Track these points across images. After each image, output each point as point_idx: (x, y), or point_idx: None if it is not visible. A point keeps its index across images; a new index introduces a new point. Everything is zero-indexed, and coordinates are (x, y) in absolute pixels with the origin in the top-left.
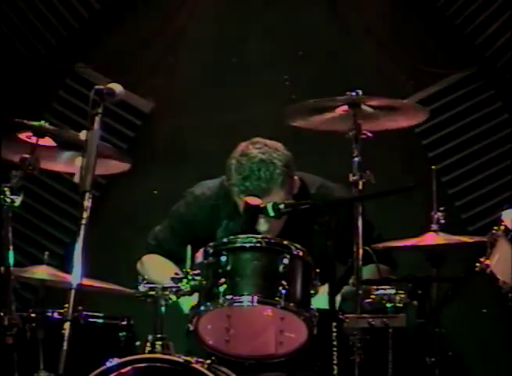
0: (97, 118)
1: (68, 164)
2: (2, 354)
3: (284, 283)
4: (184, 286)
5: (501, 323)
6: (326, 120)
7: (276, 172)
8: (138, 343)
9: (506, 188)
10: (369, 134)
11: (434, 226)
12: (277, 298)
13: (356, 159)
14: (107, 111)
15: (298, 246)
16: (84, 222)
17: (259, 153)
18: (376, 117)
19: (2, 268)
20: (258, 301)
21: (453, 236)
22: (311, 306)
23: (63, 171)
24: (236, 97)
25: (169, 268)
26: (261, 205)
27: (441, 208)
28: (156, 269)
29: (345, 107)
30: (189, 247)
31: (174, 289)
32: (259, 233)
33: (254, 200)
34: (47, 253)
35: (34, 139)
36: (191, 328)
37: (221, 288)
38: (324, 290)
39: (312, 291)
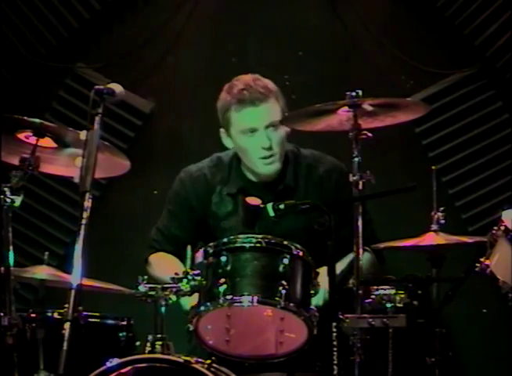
0: (97, 118)
1: (68, 165)
2: (2, 354)
3: (284, 283)
4: (184, 286)
5: (501, 323)
6: (326, 122)
7: (271, 85)
8: (138, 343)
9: (506, 188)
10: (369, 134)
11: (434, 226)
12: (277, 298)
13: (356, 159)
14: (107, 111)
15: (298, 246)
16: (84, 222)
17: (251, 75)
18: (375, 114)
19: (2, 268)
20: (258, 302)
21: (453, 236)
22: (311, 306)
23: (63, 175)
24: None
25: (177, 267)
26: (261, 205)
27: (441, 208)
28: (165, 268)
29: (345, 109)
30: (189, 247)
31: (174, 289)
32: (259, 233)
33: (254, 200)
34: (47, 253)
35: (33, 139)
36: (191, 328)
37: (221, 288)
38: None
39: (312, 291)
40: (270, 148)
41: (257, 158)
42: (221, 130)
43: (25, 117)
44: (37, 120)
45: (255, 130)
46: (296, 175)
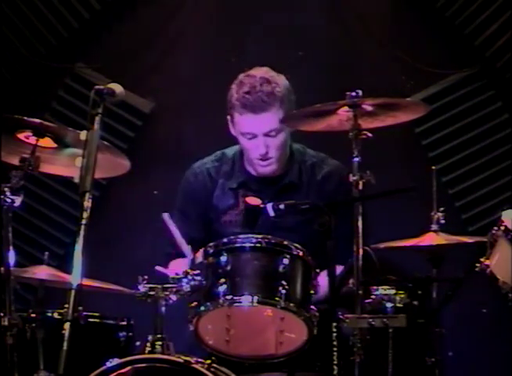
0: (97, 118)
1: (68, 165)
2: (2, 354)
3: (284, 283)
4: (184, 286)
5: (501, 323)
6: (326, 122)
7: (277, 90)
8: (138, 343)
9: (506, 188)
10: (369, 134)
11: (434, 226)
12: (277, 298)
13: (356, 159)
14: (107, 111)
15: (298, 246)
16: (84, 222)
17: (262, 73)
18: (375, 114)
19: (2, 268)
20: (258, 302)
21: (453, 236)
22: (311, 306)
23: (63, 175)
24: None
25: None
26: (261, 205)
27: (441, 208)
28: None
29: (345, 109)
30: (189, 248)
31: (174, 289)
32: (259, 233)
33: (253, 200)
34: (47, 253)
35: (33, 139)
36: (191, 328)
37: (221, 288)
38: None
39: (312, 291)
40: (266, 154)
41: (255, 159)
42: (228, 117)
43: (25, 117)
44: (37, 120)
45: (254, 135)
46: (300, 172)
